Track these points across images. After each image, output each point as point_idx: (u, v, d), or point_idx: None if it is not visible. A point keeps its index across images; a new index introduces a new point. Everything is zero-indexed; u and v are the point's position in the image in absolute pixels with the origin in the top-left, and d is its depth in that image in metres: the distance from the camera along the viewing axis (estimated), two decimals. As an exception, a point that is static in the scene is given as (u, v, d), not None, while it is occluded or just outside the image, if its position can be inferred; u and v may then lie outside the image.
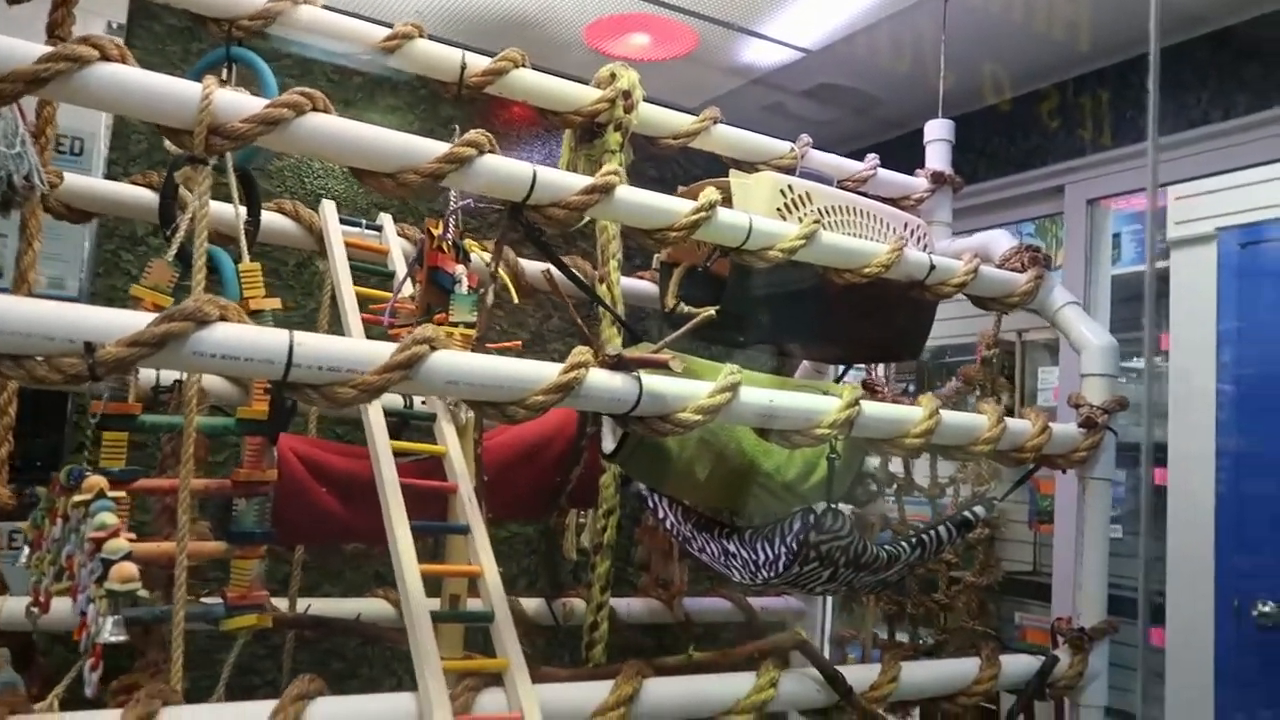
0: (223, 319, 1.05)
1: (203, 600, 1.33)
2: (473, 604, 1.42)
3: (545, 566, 2.07)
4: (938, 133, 2.23)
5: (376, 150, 1.25)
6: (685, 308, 1.83)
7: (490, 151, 1.32)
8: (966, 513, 1.82)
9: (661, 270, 1.91)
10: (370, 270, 1.75)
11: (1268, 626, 2.85)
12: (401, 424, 1.59)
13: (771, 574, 1.65)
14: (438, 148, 1.28)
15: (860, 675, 1.47)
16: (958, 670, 1.58)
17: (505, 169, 1.32)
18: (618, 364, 1.27)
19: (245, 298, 1.41)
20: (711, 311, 1.47)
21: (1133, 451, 3.65)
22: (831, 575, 1.67)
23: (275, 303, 1.43)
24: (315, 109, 1.21)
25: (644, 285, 2.16)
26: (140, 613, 1.30)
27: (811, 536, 1.57)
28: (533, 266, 1.96)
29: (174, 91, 1.13)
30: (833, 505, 1.57)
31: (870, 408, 1.48)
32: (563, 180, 1.37)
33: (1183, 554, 3.03)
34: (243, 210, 1.50)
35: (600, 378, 1.25)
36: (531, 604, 2.05)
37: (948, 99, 2.29)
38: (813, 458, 1.59)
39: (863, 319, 1.88)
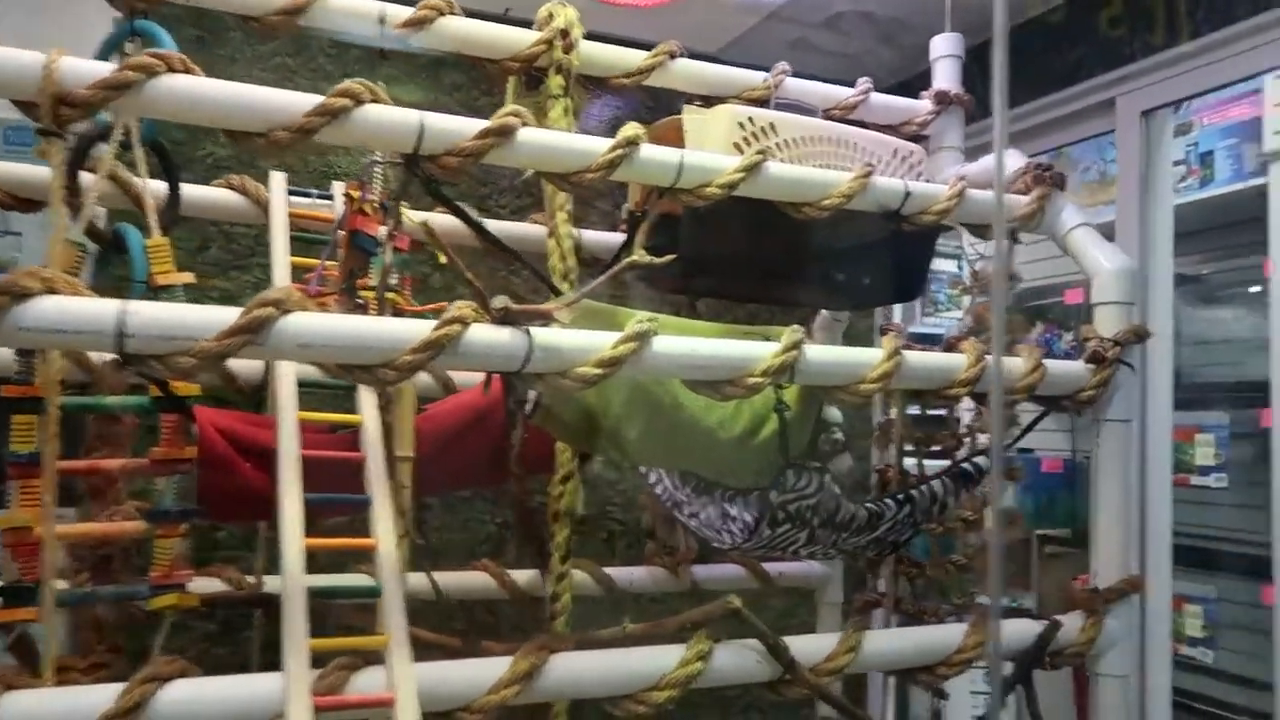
0: (50, 291, 1.01)
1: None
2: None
3: (522, 536, 2.00)
4: (944, 48, 2.01)
5: (240, 108, 1.19)
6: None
7: (374, 101, 1.25)
8: (966, 464, 1.65)
9: (630, 221, 1.80)
10: (319, 240, 1.71)
11: (1386, 580, 2.53)
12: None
13: (743, 538, 1.53)
14: (308, 102, 1.21)
15: (816, 645, 1.34)
16: (935, 638, 1.42)
17: (387, 119, 1.25)
18: (505, 318, 1.18)
19: (153, 273, 1.38)
20: (634, 260, 1.36)
21: (1242, 392, 3.32)
22: (810, 537, 1.54)
23: (186, 277, 1.40)
24: (172, 69, 1.16)
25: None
26: (66, 595, 1.31)
27: (774, 496, 1.45)
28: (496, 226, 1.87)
29: (14, 62, 1.10)
30: (796, 462, 1.45)
31: (815, 352, 1.34)
32: (455, 126, 1.28)
33: (1292, 503, 2.73)
34: (161, 184, 1.48)
35: (483, 334, 1.16)
36: (528, 575, 1.99)
37: (975, 16, 2.05)
38: (762, 410, 1.46)
39: (843, 258, 1.72)
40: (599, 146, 1.35)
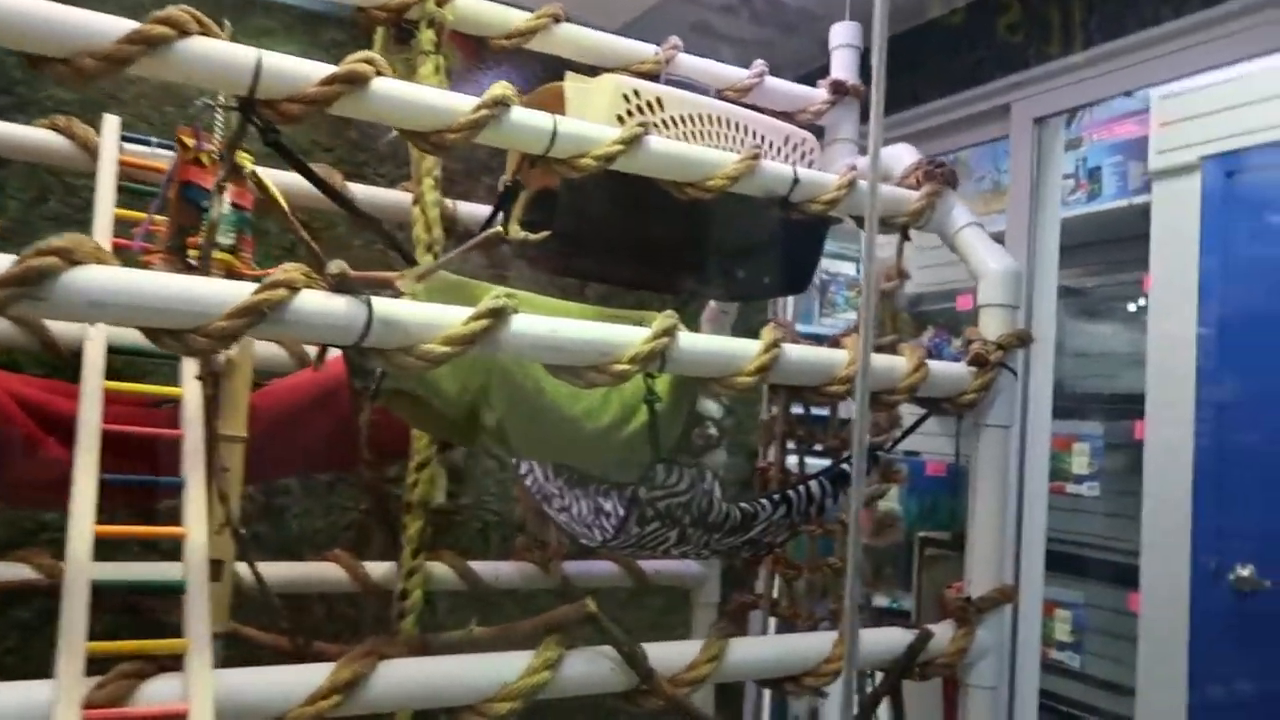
0: None
1: None
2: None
3: (378, 527, 1.86)
4: (843, 37, 1.96)
5: (40, 26, 1.03)
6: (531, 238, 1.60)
7: (203, 34, 1.10)
8: (845, 465, 1.59)
9: (503, 194, 1.68)
10: (152, 193, 1.54)
11: (1246, 592, 2.61)
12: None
13: (610, 535, 1.44)
14: (123, 27, 1.06)
15: (677, 653, 1.25)
16: (803, 647, 1.35)
17: (216, 54, 1.10)
18: (340, 284, 1.05)
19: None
20: (496, 231, 1.24)
21: (1117, 404, 3.40)
22: (681, 536, 1.46)
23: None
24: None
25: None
26: None
27: (642, 493, 1.36)
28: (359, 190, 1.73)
29: None
30: (667, 457, 1.36)
31: (688, 340, 1.25)
32: (298, 69, 1.14)
33: (1159, 513, 2.79)
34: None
35: (314, 301, 1.03)
36: (384, 568, 1.86)
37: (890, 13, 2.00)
38: (632, 401, 1.36)
39: (729, 246, 1.64)
40: (462, 104, 1.23)
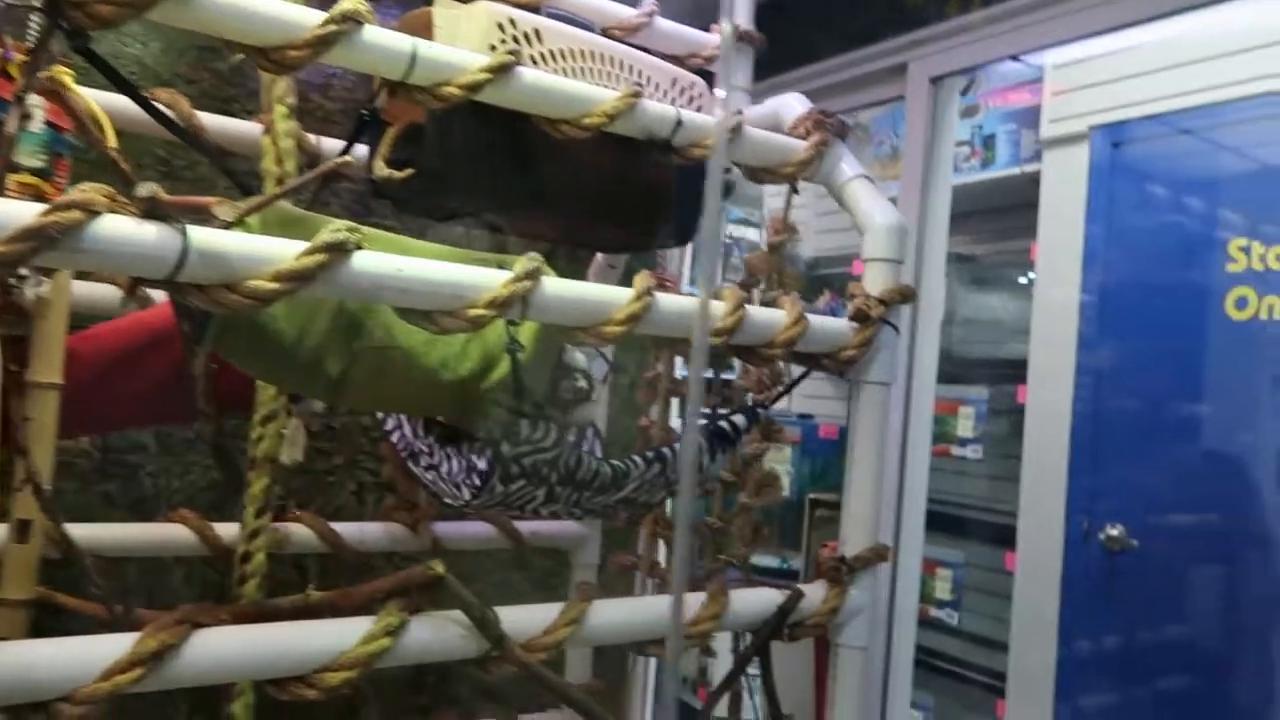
0: None
1: None
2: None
3: (227, 485, 1.74)
4: (737, -20, 1.88)
5: None
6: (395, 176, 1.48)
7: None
8: (722, 422, 1.54)
9: (360, 123, 1.55)
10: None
11: (1115, 551, 2.69)
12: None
13: (473, 494, 1.35)
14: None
15: (533, 618, 1.18)
16: (669, 609, 1.30)
17: (9, -60, 0.96)
18: (152, 209, 0.93)
19: None
20: (343, 161, 1.13)
21: (1002, 369, 3.46)
22: (549, 495, 1.38)
23: None
24: None
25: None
26: None
27: (505, 449, 1.27)
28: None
29: None
30: (532, 411, 1.28)
31: (554, 285, 1.16)
32: (108, -36, 1.00)
33: (1037, 475, 2.86)
34: None
35: (119, 227, 0.91)
36: (234, 529, 1.73)
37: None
38: (494, 350, 1.27)
39: (609, 191, 1.55)
40: (307, 19, 1.11)
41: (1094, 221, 2.85)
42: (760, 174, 1.52)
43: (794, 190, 1.69)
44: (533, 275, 1.13)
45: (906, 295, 1.47)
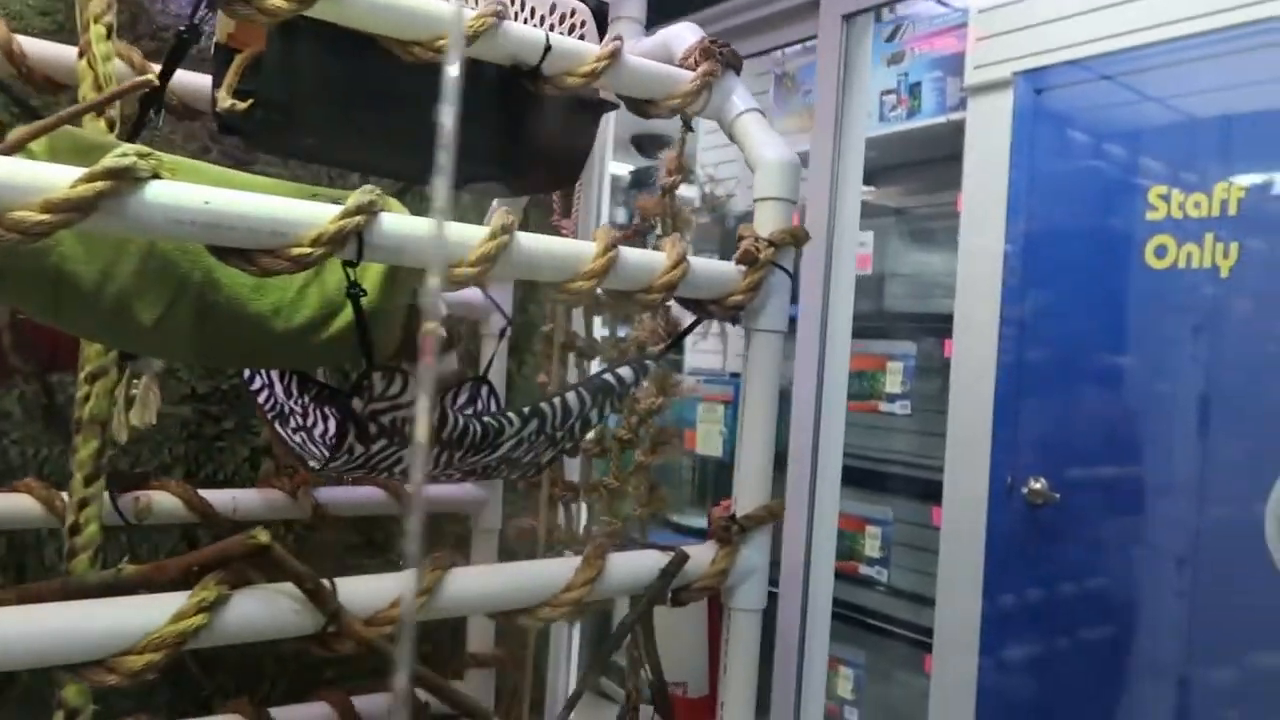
0: None
1: None
2: None
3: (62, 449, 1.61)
4: (630, -97, 1.75)
5: None
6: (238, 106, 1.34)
7: None
8: (607, 375, 1.44)
9: (215, 55, 1.41)
10: None
11: (1037, 504, 2.66)
12: None
13: (331, 454, 1.24)
14: None
15: (379, 589, 1.08)
16: (539, 576, 1.20)
17: None
18: (-115, 128, 0.79)
19: None
20: (147, 79, 1.00)
21: (930, 323, 3.42)
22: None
23: None
24: None
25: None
26: None
27: (357, 405, 1.16)
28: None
29: None
30: (385, 363, 1.16)
31: (393, 222, 1.04)
32: None
33: (962, 430, 2.81)
34: None
35: None
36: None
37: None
38: (336, 296, 1.15)
39: (481, 126, 1.43)
40: (98, -85, 0.97)
41: (1017, 170, 2.78)
42: (644, 107, 1.41)
43: (687, 127, 1.58)
44: (367, 210, 1.01)
45: (798, 237, 1.38)
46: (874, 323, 3.56)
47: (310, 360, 1.20)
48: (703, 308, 1.36)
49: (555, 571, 1.20)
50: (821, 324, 2.24)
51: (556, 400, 1.39)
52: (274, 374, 1.48)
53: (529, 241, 1.14)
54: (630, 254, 1.22)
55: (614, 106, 1.54)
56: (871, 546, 3.57)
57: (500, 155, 1.45)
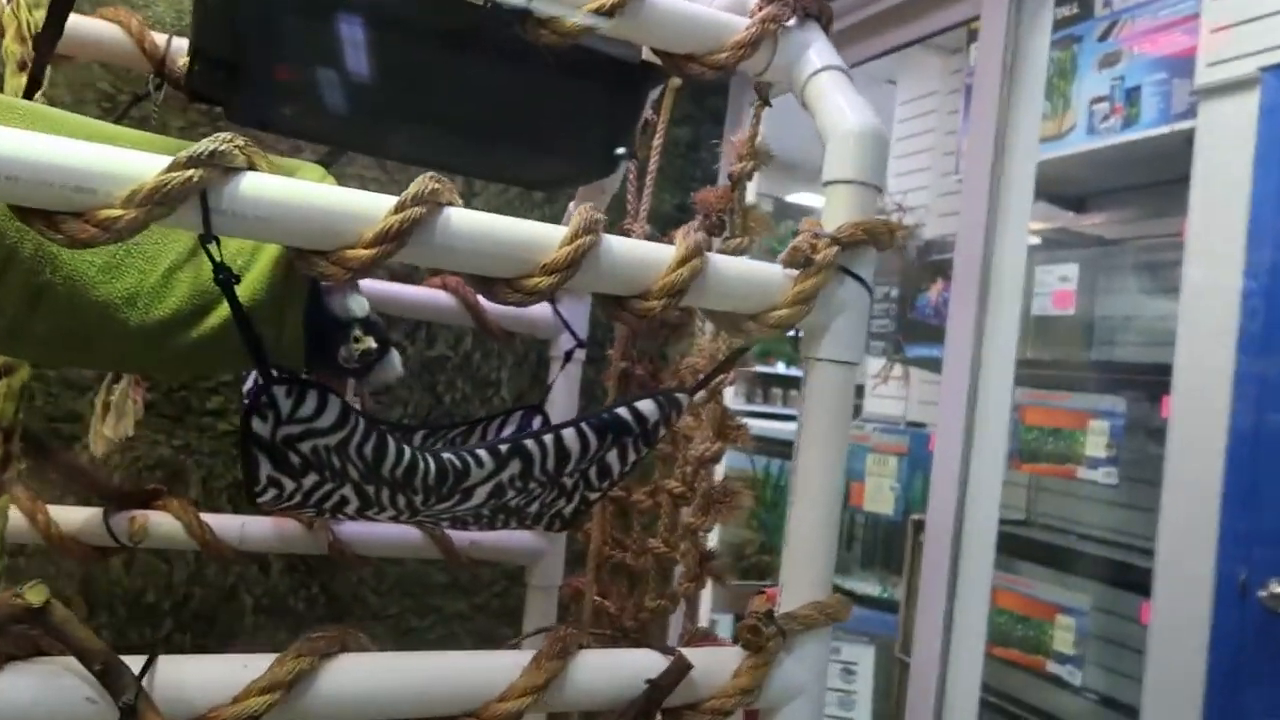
0: None
1: None
2: None
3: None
4: None
5: None
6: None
7: None
8: (620, 410, 1.11)
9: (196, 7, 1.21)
10: None
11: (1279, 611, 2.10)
12: None
13: (256, 489, 0.99)
14: None
15: (221, 675, 0.79)
16: (462, 674, 0.87)
17: None
18: None
19: None
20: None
21: (1145, 374, 2.87)
22: (359, 494, 1.00)
23: None
24: None
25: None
26: None
27: (256, 425, 0.90)
28: None
29: None
30: (286, 374, 0.90)
31: (260, 183, 0.77)
32: None
33: (1181, 509, 2.27)
34: None
35: None
36: (83, 515, 1.45)
37: None
38: (207, 283, 0.89)
39: (488, 100, 1.15)
40: None
41: (1262, 187, 2.24)
42: (681, 63, 1.08)
43: (763, 100, 1.23)
44: (213, 162, 0.75)
45: (876, 234, 0.99)
46: (1074, 372, 3.08)
47: (180, 364, 0.96)
48: (737, 325, 1.00)
49: (489, 670, 0.87)
50: (973, 360, 1.80)
51: (548, 438, 1.07)
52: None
53: (460, 218, 0.84)
54: (614, 243, 0.89)
55: (664, 75, 1.22)
56: (1063, 640, 3.07)
57: (507, 138, 1.16)
